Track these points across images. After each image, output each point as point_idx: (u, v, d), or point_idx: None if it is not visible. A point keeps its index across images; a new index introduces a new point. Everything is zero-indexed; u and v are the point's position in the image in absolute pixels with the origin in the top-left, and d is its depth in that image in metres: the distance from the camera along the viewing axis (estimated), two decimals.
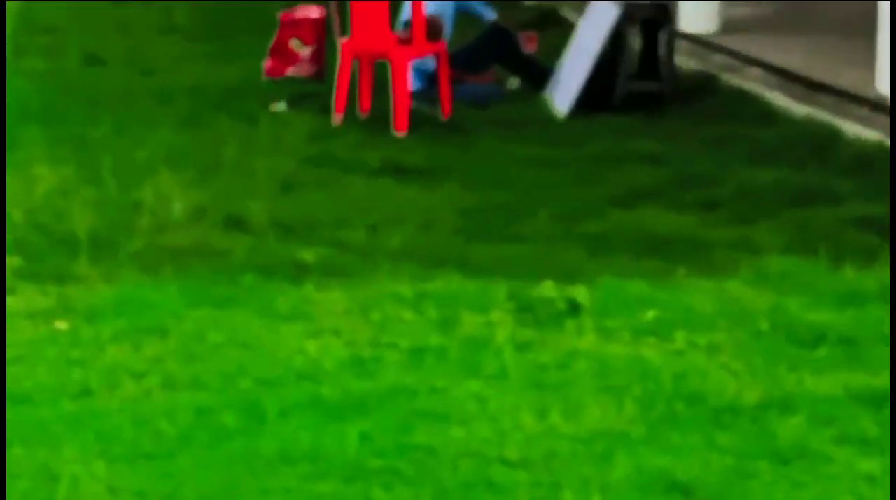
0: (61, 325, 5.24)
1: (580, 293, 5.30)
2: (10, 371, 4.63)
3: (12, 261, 5.89)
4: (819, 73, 9.63)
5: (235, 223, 6.74)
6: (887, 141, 8.02)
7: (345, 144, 8.24)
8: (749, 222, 6.77)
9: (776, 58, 10.21)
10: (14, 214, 6.79)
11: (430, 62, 9.01)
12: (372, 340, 5.04)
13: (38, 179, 7.51)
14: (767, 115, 9.08)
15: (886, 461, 3.63)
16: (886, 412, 4.20)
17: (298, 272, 5.84)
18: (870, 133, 8.26)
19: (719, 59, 10.61)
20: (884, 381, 4.50)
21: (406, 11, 8.74)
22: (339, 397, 4.32)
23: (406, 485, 3.62)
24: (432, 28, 8.66)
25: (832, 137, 8.33)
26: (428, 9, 8.51)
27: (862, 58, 9.37)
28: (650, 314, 5.14)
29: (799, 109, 8.97)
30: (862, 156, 7.88)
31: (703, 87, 9.65)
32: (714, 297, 5.45)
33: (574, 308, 5.17)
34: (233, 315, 5.32)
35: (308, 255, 6.10)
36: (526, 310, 5.22)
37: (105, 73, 11.05)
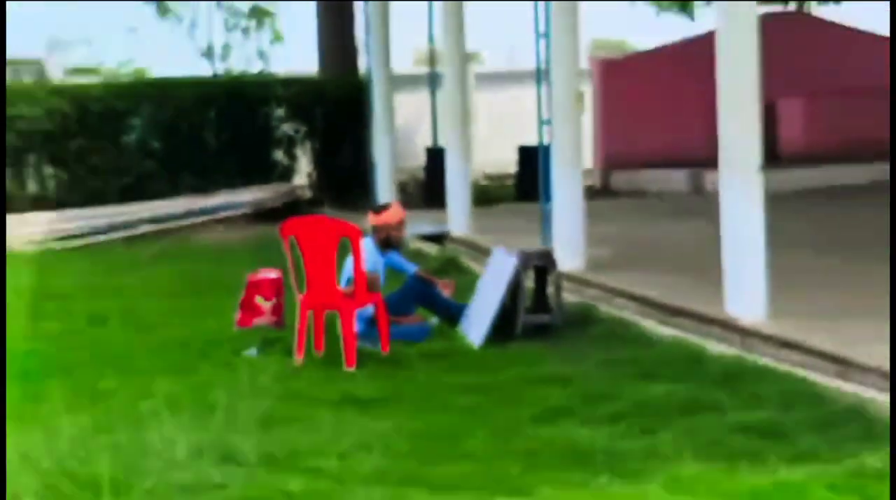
0: None
1: None
2: None
3: None
4: (675, 300, 11.27)
5: (229, 458, 7.04)
6: (745, 355, 9.28)
7: (308, 381, 9.30)
8: (650, 433, 7.24)
9: (637, 289, 11.89)
10: (44, 462, 7.01)
11: (369, 309, 10.44)
12: None
13: (60, 429, 7.79)
14: (642, 337, 10.28)
15: None
16: None
17: None
18: (727, 349, 9.46)
19: (592, 291, 12.12)
20: None
21: (347, 270, 10.35)
22: None
23: None
24: (370, 283, 10.44)
25: (699, 354, 9.45)
26: (365, 266, 10.29)
27: (709, 287, 10.55)
28: None
29: (666, 331, 10.36)
30: (727, 369, 8.85)
31: (585, 316, 11.14)
32: None
33: None
34: None
35: (294, 485, 6.35)
36: None
37: (107, 331, 12.17)
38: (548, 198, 13.98)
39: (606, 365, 9.58)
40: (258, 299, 11.65)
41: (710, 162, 20.87)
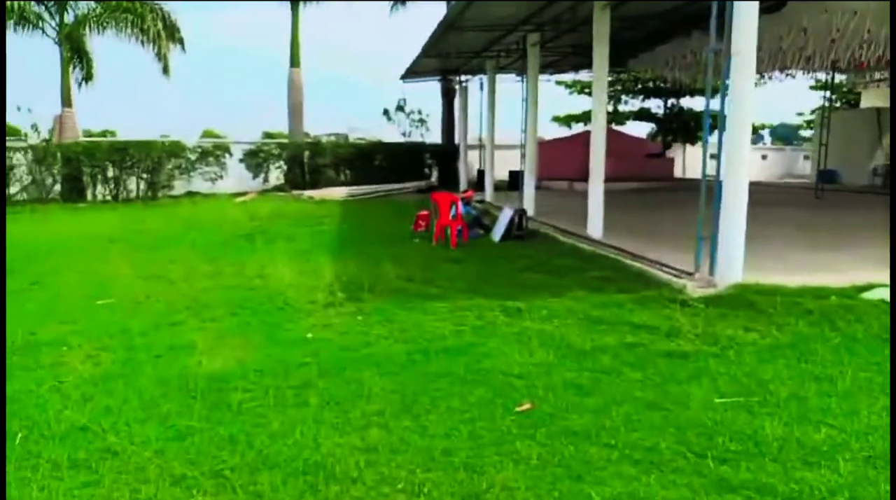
0: None
1: (520, 305, 5.94)
2: None
3: None
4: (568, 227, 10.70)
5: (411, 280, 7.16)
6: (596, 250, 8.67)
7: (437, 251, 9.18)
8: (564, 277, 7.14)
9: (552, 223, 11.17)
10: (342, 277, 7.83)
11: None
12: (457, 321, 6.23)
13: (347, 264, 8.50)
14: (556, 242, 9.72)
15: None
16: None
17: (429, 297, 6.94)
18: (589, 247, 8.88)
19: (535, 224, 11.32)
20: None
21: (453, 211, 9.98)
22: None
23: None
24: (463, 216, 10.11)
25: (578, 248, 8.92)
26: (461, 210, 9.94)
27: (581, 223, 9.84)
28: (543, 312, 5.75)
29: (565, 240, 9.76)
30: (589, 255, 8.34)
31: (534, 233, 10.65)
32: (562, 305, 5.95)
33: (518, 310, 5.84)
34: (412, 313, 6.49)
35: (433, 291, 6.86)
36: (506, 311, 5.82)
37: (358, 230, 11.39)
38: (522, 188, 13.29)
39: (544, 251, 9.19)
40: (420, 221, 11.23)
41: (577, 179, 20.47)
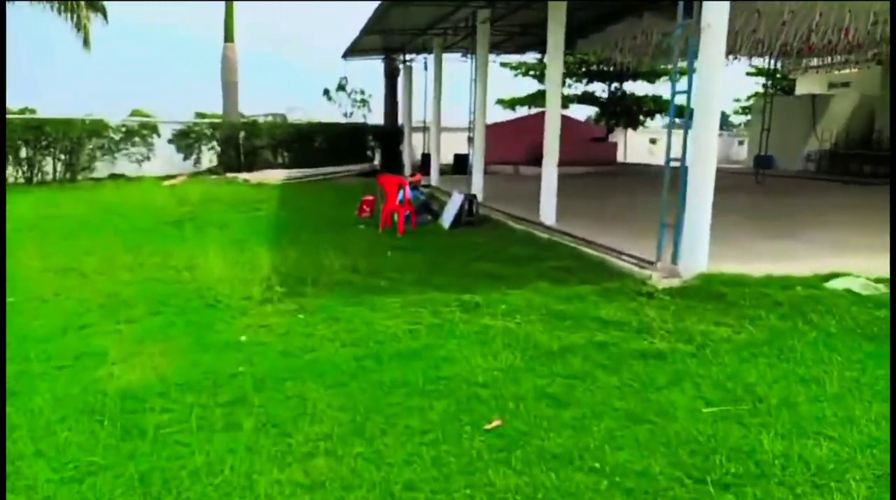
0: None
1: (478, 299, 5.54)
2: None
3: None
4: (519, 213, 10.33)
5: (356, 270, 6.65)
6: (551, 237, 8.28)
7: (383, 237, 8.54)
8: (521, 266, 6.72)
9: (502, 209, 10.75)
10: (281, 268, 6.79)
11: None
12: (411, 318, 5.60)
13: (287, 254, 7.59)
14: (507, 228, 9.28)
15: None
16: None
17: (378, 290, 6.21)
18: (543, 234, 8.45)
19: (485, 209, 10.77)
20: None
21: (400, 196, 9.39)
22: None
23: None
24: (410, 201, 9.52)
25: (532, 236, 8.52)
26: (409, 195, 9.35)
27: (532, 209, 9.35)
28: (503, 307, 5.36)
29: (518, 226, 9.28)
30: (545, 243, 7.96)
31: (485, 219, 10.14)
32: (522, 298, 5.56)
33: (476, 305, 5.41)
34: (360, 309, 5.69)
35: (383, 283, 6.18)
36: (463, 306, 5.39)
37: (300, 215, 10.50)
38: (470, 173, 12.77)
39: (497, 238, 8.74)
40: (364, 207, 10.57)
41: (523, 163, 20.14)
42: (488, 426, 3.28)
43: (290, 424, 3.27)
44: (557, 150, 9.52)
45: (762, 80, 29.14)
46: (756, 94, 28.55)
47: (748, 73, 28.81)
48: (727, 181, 18.49)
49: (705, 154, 6.11)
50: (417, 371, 3.97)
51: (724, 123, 37.24)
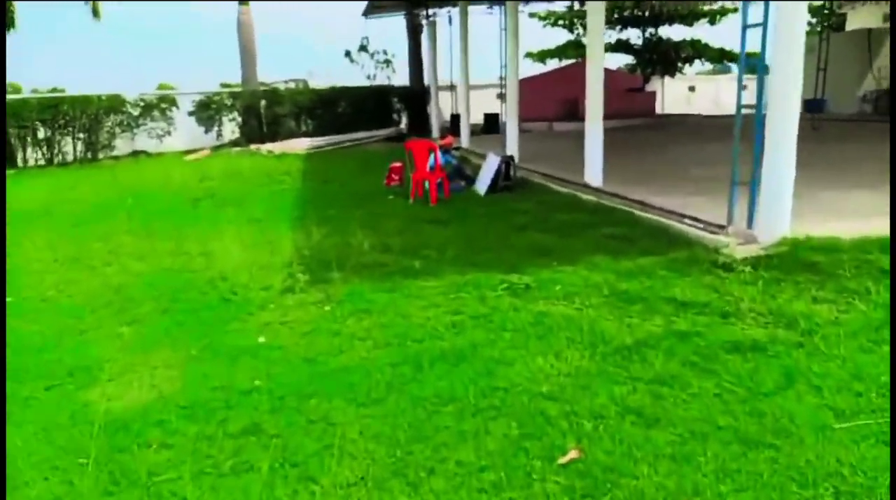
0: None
1: (527, 279, 4.85)
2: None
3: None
4: (560, 174, 9.52)
5: (387, 249, 5.98)
6: (599, 200, 7.51)
7: (416, 210, 7.87)
8: (571, 237, 5.97)
9: (541, 169, 9.97)
10: (304, 250, 6.10)
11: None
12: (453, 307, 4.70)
13: (310, 233, 6.85)
14: (550, 191, 8.50)
15: None
16: None
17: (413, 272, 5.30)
18: (589, 198, 7.68)
19: (523, 171, 9.88)
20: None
21: (431, 161, 8.61)
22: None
23: None
24: (442, 167, 8.74)
25: (578, 199, 7.73)
26: (440, 160, 8.57)
27: (573, 169, 8.42)
28: (557, 288, 4.66)
29: (561, 189, 8.47)
30: (593, 207, 7.21)
31: (524, 182, 9.31)
32: (578, 277, 4.83)
33: (527, 287, 4.72)
34: (394, 297, 4.77)
35: (416, 263, 5.46)
36: (512, 289, 4.67)
37: (329, 186, 9.80)
38: (503, 132, 11.94)
39: (540, 204, 7.86)
40: (393, 175, 9.82)
41: (557, 119, 19.09)
42: (563, 460, 2.57)
43: (313, 462, 2.61)
44: (601, 105, 8.58)
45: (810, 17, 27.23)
46: (812, 30, 26.60)
47: None
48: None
49: (787, 98, 5.18)
50: (466, 381, 3.27)
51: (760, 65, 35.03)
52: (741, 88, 5.65)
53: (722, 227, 5.71)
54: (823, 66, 14.89)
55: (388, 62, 20.16)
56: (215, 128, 17.46)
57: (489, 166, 9.13)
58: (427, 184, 8.60)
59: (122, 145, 16.34)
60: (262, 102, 17.74)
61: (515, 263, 5.34)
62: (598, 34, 8.83)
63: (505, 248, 5.87)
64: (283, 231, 6.92)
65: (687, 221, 6.16)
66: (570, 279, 4.83)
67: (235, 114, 17.64)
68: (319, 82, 22.13)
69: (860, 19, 22.02)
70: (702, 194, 7.39)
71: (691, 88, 26.90)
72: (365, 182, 10.37)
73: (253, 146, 17.19)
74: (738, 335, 3.69)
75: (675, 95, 26.76)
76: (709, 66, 29.38)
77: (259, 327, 4.23)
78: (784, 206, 5.27)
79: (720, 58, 24.73)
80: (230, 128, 17.83)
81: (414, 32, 20.63)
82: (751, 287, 4.43)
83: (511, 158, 9.33)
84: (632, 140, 14.02)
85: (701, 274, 4.78)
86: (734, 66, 31.81)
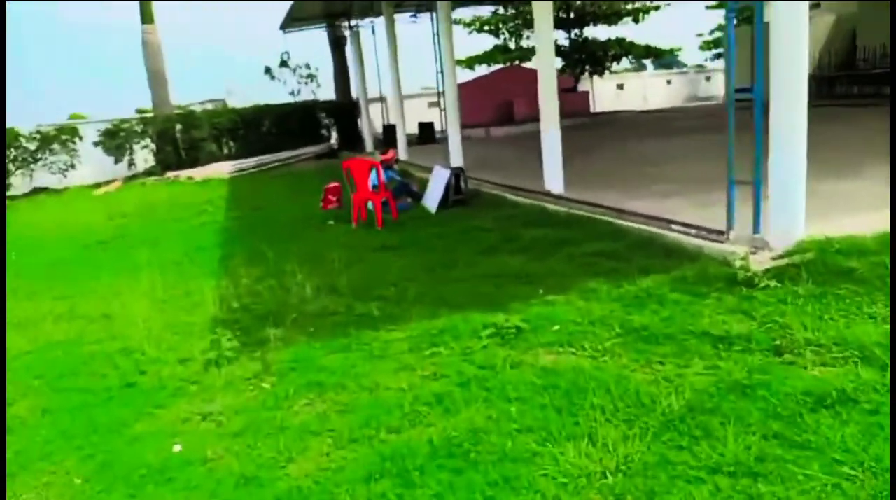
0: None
1: (515, 320, 3.81)
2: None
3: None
4: (516, 182, 8.69)
5: (335, 290, 4.87)
6: (567, 210, 6.61)
7: (360, 236, 6.83)
8: (551, 257, 5.05)
9: (491, 179, 9.09)
10: (232, 302, 4.92)
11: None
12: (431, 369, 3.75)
13: (239, 277, 5.65)
14: (508, 203, 7.55)
15: None
16: None
17: (372, 321, 4.26)
18: (555, 207, 6.78)
19: (472, 181, 8.89)
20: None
21: (372, 180, 7.56)
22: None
23: None
24: (385, 186, 7.72)
25: (543, 209, 6.83)
26: (383, 177, 7.51)
27: (524, 176, 7.54)
28: (555, 328, 3.87)
29: (519, 199, 7.55)
30: (564, 218, 6.30)
31: (476, 193, 8.41)
32: (574, 310, 3.92)
33: (518, 330, 3.70)
34: (352, 359, 3.78)
35: (374, 307, 4.42)
36: (500, 334, 3.67)
37: (261, 214, 8.60)
38: (443, 141, 11.11)
39: (502, 219, 6.93)
40: (330, 196, 8.70)
41: (493, 123, 18.42)
42: None
43: None
44: (557, 104, 7.74)
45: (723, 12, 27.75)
46: (722, 26, 27.01)
47: (708, 7, 27.32)
48: (736, 118, 16.75)
49: (796, 78, 4.44)
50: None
51: (675, 61, 35.61)
52: (730, 74, 4.87)
53: (721, 233, 4.91)
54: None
55: (311, 77, 18.93)
56: (126, 157, 15.81)
57: (438, 180, 8.15)
58: (371, 205, 7.56)
59: (19, 184, 14.52)
60: (178, 127, 16.22)
61: (494, 296, 4.38)
62: (547, 34, 7.99)
63: (477, 278, 4.88)
64: (206, 277, 5.71)
65: (676, 227, 5.34)
66: (566, 314, 3.89)
67: (148, 141, 16.06)
68: (239, 101, 20.73)
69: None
70: (678, 195, 6.64)
71: (620, 86, 26.84)
72: (299, 206, 9.20)
73: (170, 174, 15.67)
74: (810, 382, 2.82)
75: (604, 93, 26.63)
76: (634, 63, 29.55)
77: (174, 425, 3.08)
78: (797, 205, 4.48)
79: (647, 54, 24.73)
80: (143, 156, 16.22)
81: (337, 44, 19.52)
82: (789, 307, 3.59)
83: (461, 169, 8.37)
84: (579, 141, 13.31)
85: (721, 294, 3.93)
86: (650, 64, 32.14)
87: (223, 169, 15.98)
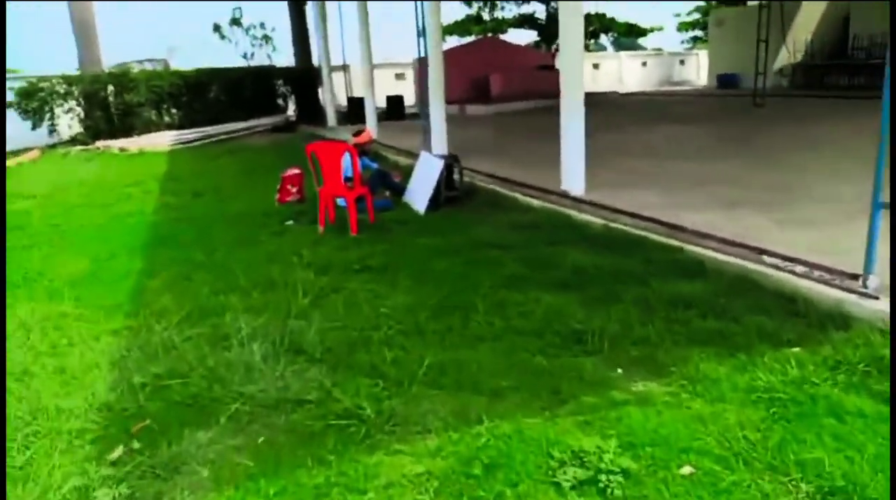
0: None
1: (606, 443, 2.24)
2: None
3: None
4: (516, 176, 7.11)
5: (299, 350, 3.25)
6: (604, 221, 5.07)
7: (332, 247, 5.01)
8: (614, 302, 3.38)
9: (486, 168, 7.49)
10: (133, 376, 3.63)
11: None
12: None
13: (153, 321, 4.16)
14: (516, 204, 6.02)
15: None
16: None
17: (362, 428, 2.77)
18: (587, 218, 5.17)
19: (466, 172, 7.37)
20: None
21: (346, 169, 5.78)
22: None
23: None
24: (363, 176, 5.98)
25: (567, 218, 5.24)
26: (349, 164, 5.73)
27: (537, 165, 5.91)
28: (685, 473, 2.33)
29: (530, 200, 5.94)
30: (607, 234, 4.83)
31: (472, 189, 6.80)
32: (694, 419, 2.47)
33: (625, 474, 2.15)
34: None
35: (364, 399, 3.27)
36: (594, 483, 2.13)
37: (202, 202, 7.08)
38: (421, 118, 9.40)
39: (517, 229, 5.28)
40: (289, 186, 6.83)
41: (469, 100, 16.74)
42: None
43: None
44: (581, 86, 6.08)
45: None
46: (709, 3, 25.62)
47: None
48: (707, 108, 15.48)
49: None
50: None
51: (635, 45, 34.10)
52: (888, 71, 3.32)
53: (855, 278, 3.43)
54: (765, 37, 13.31)
55: (267, 38, 16.73)
56: (46, 122, 13.41)
57: (427, 172, 6.42)
58: (342, 202, 5.81)
59: None
60: (110, 88, 13.86)
61: (550, 377, 2.78)
62: (576, 8, 6.24)
63: (512, 334, 3.23)
64: (108, 314, 3.90)
65: (775, 260, 3.85)
66: (686, 433, 2.33)
67: (74, 104, 13.67)
68: (183, 63, 18.34)
69: None
70: (744, 205, 5.18)
71: (595, 66, 25.33)
72: (250, 196, 7.30)
73: (100, 144, 13.39)
74: None
75: (586, 71, 25.13)
76: (595, 45, 27.95)
77: None
78: None
79: (628, 32, 23.27)
80: (68, 121, 13.84)
81: (297, 3, 17.34)
82: None
83: (455, 158, 6.66)
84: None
85: None
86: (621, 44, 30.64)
87: (163, 140, 13.78)
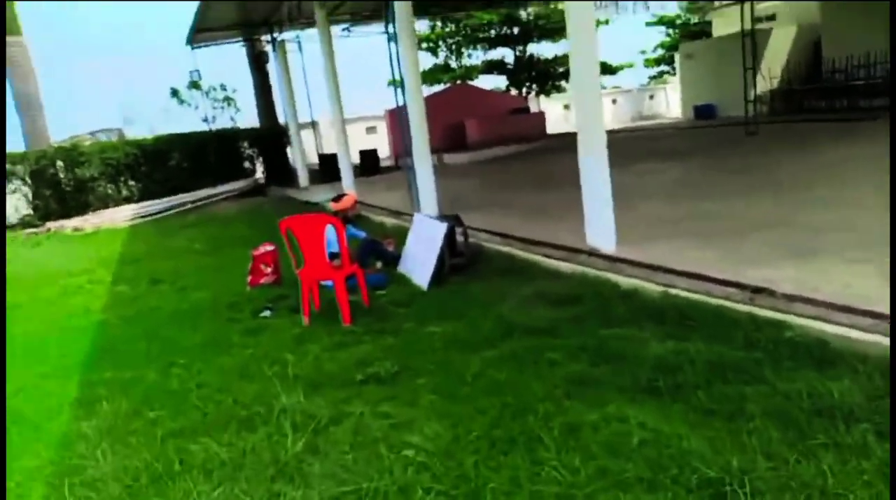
0: None
1: None
2: None
3: None
4: (524, 232, 6.18)
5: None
6: (668, 291, 4.07)
7: (322, 346, 3.92)
8: (736, 422, 2.48)
9: (486, 224, 6.58)
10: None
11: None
12: None
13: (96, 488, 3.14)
14: (536, 267, 5.00)
15: None
16: None
17: None
18: (638, 283, 4.16)
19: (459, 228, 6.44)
20: None
21: (330, 244, 4.77)
22: None
23: None
24: (352, 250, 4.95)
25: (616, 288, 4.17)
26: (337, 244, 4.66)
27: (544, 216, 5.03)
28: None
29: (556, 263, 4.82)
30: (678, 307, 3.65)
31: (479, 253, 5.80)
32: None
33: None
34: None
35: None
36: None
37: (159, 291, 5.94)
38: (409, 173, 8.56)
39: (552, 305, 4.19)
40: (261, 266, 5.72)
41: (445, 149, 15.99)
42: None
43: None
44: (603, 130, 5.17)
45: (664, 28, 26.50)
46: (673, 38, 25.65)
47: (648, 24, 26.08)
48: (696, 142, 14.71)
49: None
50: None
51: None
52: None
53: None
54: (751, 65, 12.83)
55: (229, 100, 15.76)
56: None
57: (426, 238, 5.39)
58: (330, 284, 4.75)
59: None
60: (59, 164, 12.73)
61: None
62: (588, 34, 5.39)
63: (604, 479, 2.19)
64: (34, 469, 2.75)
65: None
66: None
67: (20, 183, 12.49)
68: (142, 132, 17.31)
69: (725, 25, 21.04)
70: (811, 253, 4.27)
71: (566, 107, 24.97)
72: (216, 280, 6.18)
73: (51, 225, 12.19)
74: None
75: (550, 114, 24.72)
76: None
77: None
78: None
79: (600, 71, 23.04)
80: (16, 202, 12.63)
81: (258, 62, 16.54)
82: None
83: (458, 218, 5.67)
84: (560, 169, 10.98)
85: None
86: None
87: (121, 215, 12.64)
